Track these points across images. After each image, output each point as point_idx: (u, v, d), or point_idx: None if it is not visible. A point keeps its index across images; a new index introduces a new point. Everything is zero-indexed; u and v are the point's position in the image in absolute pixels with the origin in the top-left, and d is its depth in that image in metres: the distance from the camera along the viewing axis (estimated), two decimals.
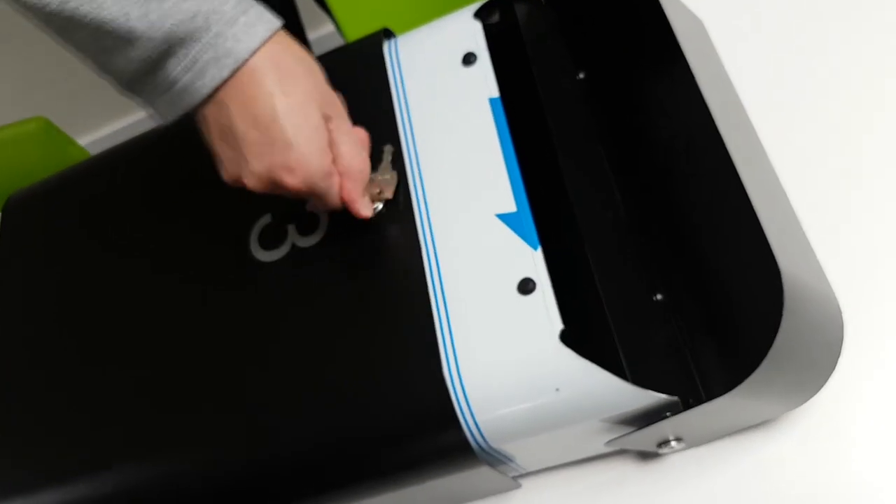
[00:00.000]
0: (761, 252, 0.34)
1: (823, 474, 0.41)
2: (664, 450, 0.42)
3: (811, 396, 0.40)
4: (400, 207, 0.43)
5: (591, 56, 0.49)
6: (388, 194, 0.44)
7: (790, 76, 0.53)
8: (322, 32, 1.32)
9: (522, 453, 0.41)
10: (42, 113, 0.86)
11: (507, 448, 0.39)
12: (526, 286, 0.38)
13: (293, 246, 0.45)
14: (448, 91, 0.45)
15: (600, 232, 0.42)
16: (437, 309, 0.39)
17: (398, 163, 0.44)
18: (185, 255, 0.48)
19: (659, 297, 0.42)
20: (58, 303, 0.51)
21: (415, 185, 0.43)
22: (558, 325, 0.37)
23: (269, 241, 0.45)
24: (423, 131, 0.45)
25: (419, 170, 0.44)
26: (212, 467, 0.40)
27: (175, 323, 0.45)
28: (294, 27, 0.91)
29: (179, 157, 0.53)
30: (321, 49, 0.52)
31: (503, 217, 0.41)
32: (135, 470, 0.41)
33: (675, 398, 0.37)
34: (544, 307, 0.37)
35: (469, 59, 0.45)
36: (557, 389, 0.36)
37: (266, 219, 0.46)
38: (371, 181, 0.43)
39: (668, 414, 0.37)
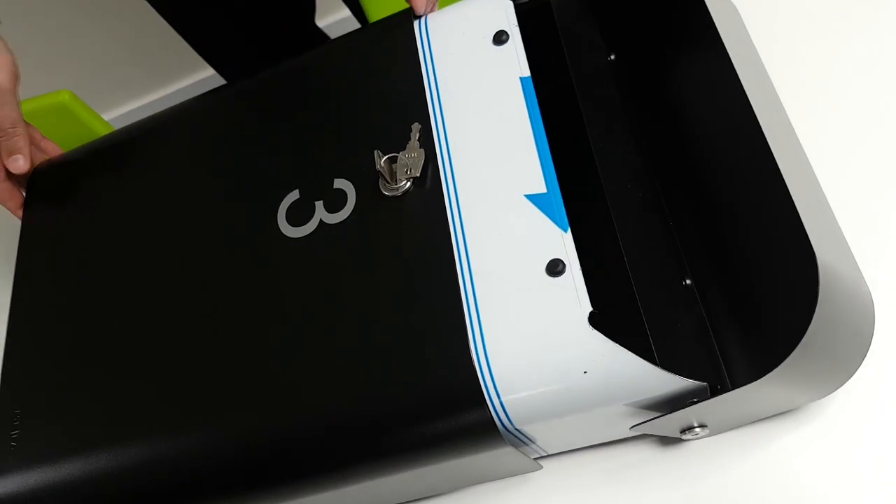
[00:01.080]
0: (797, 239, 0.33)
1: (848, 464, 0.41)
2: (687, 436, 0.42)
3: (840, 386, 0.39)
4: (428, 186, 0.43)
5: (622, 38, 0.49)
6: (416, 172, 0.43)
7: (822, 62, 0.52)
8: (337, 18, 1.32)
9: (545, 435, 0.41)
10: (67, 87, 0.86)
11: (532, 429, 0.39)
12: (555, 267, 0.38)
13: (321, 222, 0.45)
14: (478, 69, 0.45)
15: (630, 214, 0.42)
16: (465, 288, 0.39)
17: (426, 141, 0.44)
18: (213, 231, 0.48)
19: (688, 281, 0.42)
20: (84, 274, 0.51)
21: (443, 164, 0.43)
22: (587, 308, 0.36)
23: (296, 218, 0.45)
24: (452, 110, 0.45)
25: (448, 148, 0.43)
26: (243, 436, 0.40)
27: (203, 298, 0.45)
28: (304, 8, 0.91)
29: (206, 134, 0.53)
30: (336, 33, 0.52)
31: (532, 198, 0.40)
32: (167, 439, 0.41)
33: (704, 384, 0.37)
34: (574, 289, 0.37)
35: (500, 37, 0.45)
36: (585, 372, 0.36)
37: (294, 195, 0.46)
38: (398, 159, 0.43)
39: (694, 400, 0.37)
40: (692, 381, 0.36)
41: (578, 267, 0.38)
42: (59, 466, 0.43)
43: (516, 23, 0.45)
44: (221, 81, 0.96)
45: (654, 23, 0.48)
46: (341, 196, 0.45)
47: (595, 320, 0.36)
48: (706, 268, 0.42)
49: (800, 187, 0.36)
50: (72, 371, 0.46)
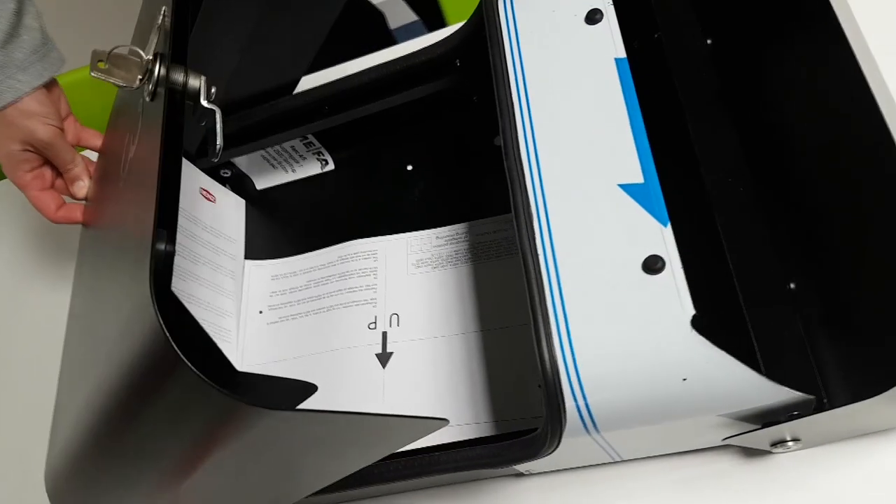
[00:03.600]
0: None
1: None
2: (777, 449, 0.39)
3: None
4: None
5: (720, 21, 0.45)
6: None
7: None
8: None
9: (625, 440, 0.39)
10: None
11: (614, 435, 0.37)
12: (653, 265, 0.35)
13: None
14: (568, 49, 0.42)
15: (732, 208, 0.39)
16: (549, 283, 0.36)
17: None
18: None
19: (792, 285, 0.39)
20: None
21: (527, 150, 0.40)
22: (689, 310, 0.34)
23: None
24: (537, 91, 0.42)
25: (532, 133, 0.41)
26: None
27: None
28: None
29: None
30: None
31: (628, 188, 0.37)
32: None
33: (812, 397, 0.34)
34: (674, 289, 0.34)
35: (593, 16, 0.42)
36: (684, 380, 0.33)
37: None
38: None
39: (796, 413, 0.35)
40: (800, 393, 0.33)
41: (680, 264, 0.35)
42: None
43: (611, 1, 0.42)
44: None
45: (756, 4, 0.44)
46: None
47: (698, 324, 0.34)
48: (810, 272, 0.39)
49: None
50: None
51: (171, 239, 0.31)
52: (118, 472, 0.38)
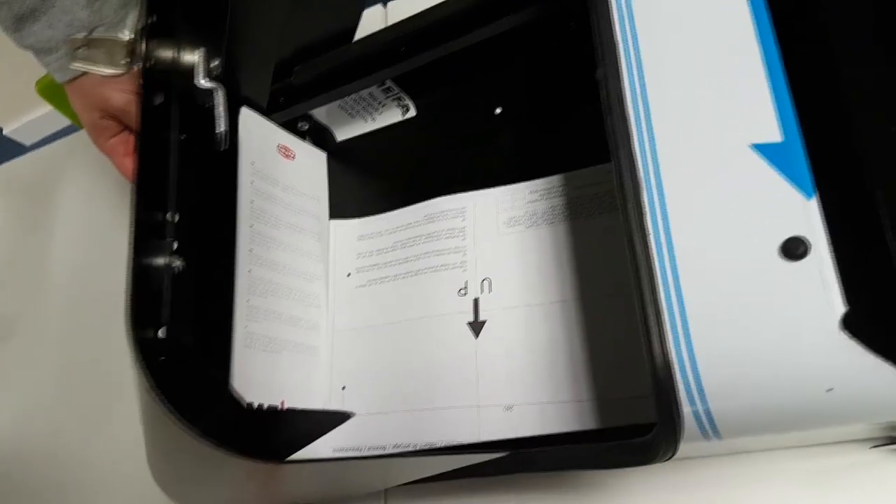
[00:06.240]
0: None
1: None
2: None
3: None
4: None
5: None
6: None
7: None
8: None
9: (755, 443, 0.34)
10: None
11: (741, 440, 0.32)
12: (794, 248, 0.29)
13: None
14: None
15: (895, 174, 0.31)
16: (662, 269, 0.31)
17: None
18: None
19: None
20: None
21: (634, 102, 0.34)
22: (839, 306, 0.28)
23: None
24: (649, 30, 0.35)
25: (642, 82, 0.34)
26: None
27: None
28: None
29: None
30: None
31: (762, 148, 0.31)
32: None
33: None
34: (820, 279, 0.28)
35: None
36: (829, 389, 0.28)
37: None
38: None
39: None
40: None
41: (828, 248, 0.28)
42: None
43: None
44: None
45: None
46: None
47: (849, 323, 0.27)
48: None
49: None
50: None
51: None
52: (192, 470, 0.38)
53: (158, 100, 0.32)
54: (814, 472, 0.38)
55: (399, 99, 0.55)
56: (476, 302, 0.48)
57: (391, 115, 0.57)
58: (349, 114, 0.57)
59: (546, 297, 0.46)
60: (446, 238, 0.51)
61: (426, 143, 0.55)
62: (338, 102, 0.55)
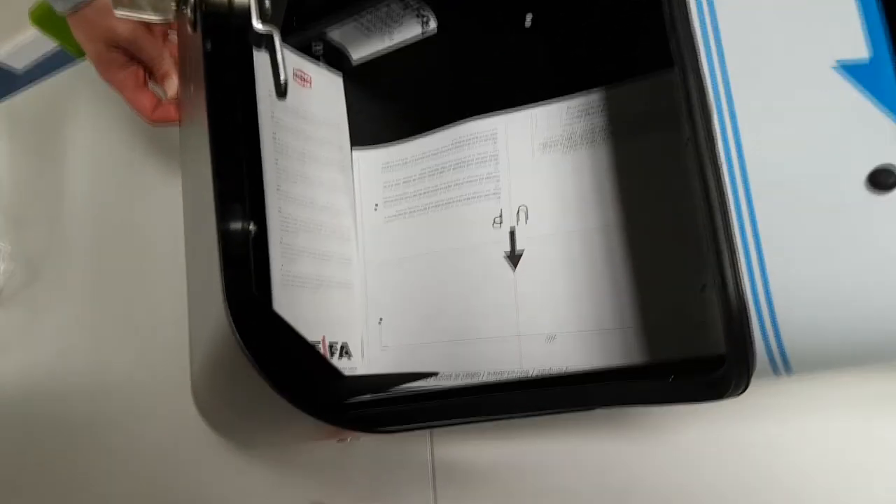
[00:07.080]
0: None
1: None
2: None
3: None
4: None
5: None
6: None
7: None
8: None
9: (824, 375, 0.33)
10: None
11: (812, 375, 0.31)
12: (884, 179, 0.27)
13: None
14: None
15: None
16: (736, 200, 0.29)
17: None
18: None
19: None
20: None
21: (700, 16, 0.31)
22: None
23: None
24: None
25: None
26: None
27: None
28: None
29: None
30: None
31: (847, 67, 0.28)
32: None
33: None
34: None
35: None
36: None
37: None
38: None
39: None
40: None
41: None
42: None
43: None
44: None
45: None
46: None
47: None
48: None
49: None
50: None
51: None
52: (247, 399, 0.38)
53: (209, 47, 0.30)
54: (879, 397, 0.38)
55: (419, 10, 0.51)
56: (513, 233, 0.46)
57: (411, 29, 0.53)
58: (366, 31, 0.53)
59: (586, 224, 0.44)
60: (477, 164, 0.49)
61: (451, 59, 0.52)
62: (353, 20, 0.51)
